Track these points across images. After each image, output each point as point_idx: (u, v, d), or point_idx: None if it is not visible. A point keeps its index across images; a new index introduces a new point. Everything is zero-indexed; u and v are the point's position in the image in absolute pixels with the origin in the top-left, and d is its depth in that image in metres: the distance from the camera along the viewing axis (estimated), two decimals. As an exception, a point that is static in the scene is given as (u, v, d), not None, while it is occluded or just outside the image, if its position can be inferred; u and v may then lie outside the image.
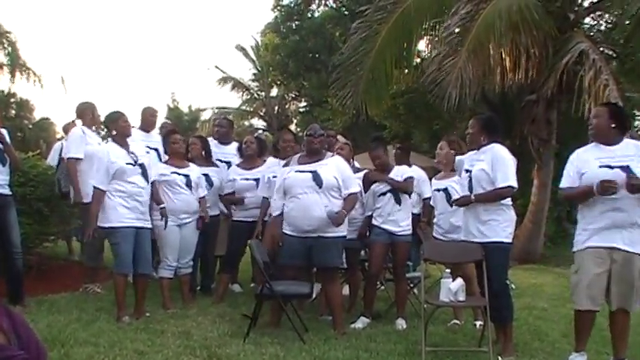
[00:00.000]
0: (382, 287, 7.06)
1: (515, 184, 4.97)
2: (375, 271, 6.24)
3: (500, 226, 4.98)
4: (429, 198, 6.84)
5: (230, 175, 7.03)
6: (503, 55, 11.10)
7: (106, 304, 6.31)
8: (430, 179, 6.99)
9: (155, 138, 7.53)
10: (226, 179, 7.08)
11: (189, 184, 6.42)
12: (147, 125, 7.62)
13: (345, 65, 11.96)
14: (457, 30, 10.91)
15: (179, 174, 6.43)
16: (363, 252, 6.71)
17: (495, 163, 4.97)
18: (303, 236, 5.58)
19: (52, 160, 8.47)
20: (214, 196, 7.06)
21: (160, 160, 7.04)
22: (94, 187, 5.82)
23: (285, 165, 5.97)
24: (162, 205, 6.13)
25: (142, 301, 6.01)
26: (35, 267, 7.50)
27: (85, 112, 7.17)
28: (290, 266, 5.68)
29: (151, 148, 7.20)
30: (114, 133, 6.04)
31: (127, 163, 5.87)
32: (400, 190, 6.06)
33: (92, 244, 6.88)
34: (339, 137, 7.19)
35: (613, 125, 4.58)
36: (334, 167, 5.67)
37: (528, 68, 11.25)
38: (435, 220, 6.49)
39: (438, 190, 6.40)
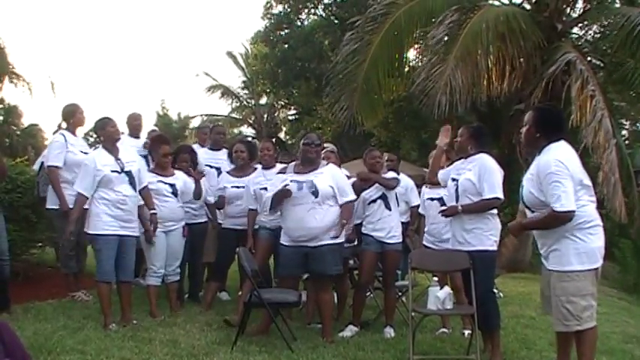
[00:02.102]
0: (371, 295, 7.05)
1: (501, 195, 5.00)
2: (366, 281, 6.25)
3: (485, 234, 5.02)
4: (418, 206, 6.86)
5: (221, 183, 6.99)
6: (490, 65, 11.16)
7: (93, 311, 6.27)
8: (419, 187, 7.01)
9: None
10: (216, 186, 7.06)
11: (175, 193, 6.43)
12: (134, 131, 7.77)
13: (337, 77, 11.99)
14: (445, 38, 10.95)
15: (165, 182, 6.43)
16: (352, 261, 6.71)
17: (482, 174, 5.00)
18: (298, 245, 5.59)
19: (37, 166, 8.43)
20: (203, 203, 7.03)
21: (149, 167, 7.02)
22: (78, 193, 5.81)
23: (281, 173, 5.97)
24: (152, 211, 6.14)
25: (128, 308, 5.98)
26: (22, 274, 7.46)
27: (68, 115, 7.03)
28: (289, 276, 5.70)
29: (140, 156, 7.18)
30: (102, 139, 6.04)
31: (113, 171, 5.84)
32: (385, 185, 6.07)
33: (65, 251, 6.85)
34: (325, 145, 7.20)
35: (538, 135, 4.30)
36: (330, 176, 5.68)
37: (515, 78, 11.33)
38: (426, 228, 6.49)
39: (432, 199, 6.39)
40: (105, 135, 6.03)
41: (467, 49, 10.35)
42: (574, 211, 3.99)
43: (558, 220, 4.04)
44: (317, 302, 5.96)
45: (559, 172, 4.01)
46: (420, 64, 12.56)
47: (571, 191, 4.00)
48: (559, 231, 4.10)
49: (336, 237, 5.54)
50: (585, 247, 4.08)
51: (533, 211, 4.30)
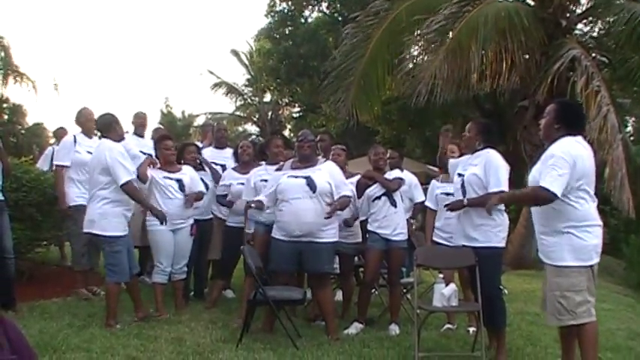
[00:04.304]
0: (376, 293, 7.05)
1: (507, 189, 4.98)
2: (371, 278, 6.24)
3: (492, 230, 5.00)
4: (421, 202, 6.82)
5: (225, 179, 6.95)
6: (484, 60, 11.11)
7: (98, 309, 6.27)
8: (422, 184, 6.97)
9: (148, 143, 7.55)
10: (221, 182, 7.05)
11: (182, 189, 6.39)
12: (139, 129, 7.92)
13: (336, 71, 11.97)
14: (437, 28, 10.90)
15: (172, 179, 6.41)
16: (356, 258, 6.70)
17: (488, 169, 4.98)
18: (293, 241, 5.58)
19: (41, 164, 8.44)
20: (208, 200, 7.03)
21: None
22: (131, 182, 5.79)
23: (278, 170, 5.97)
24: None
25: (140, 301, 6.02)
26: (27, 272, 7.48)
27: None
28: (281, 272, 5.68)
29: (144, 153, 7.21)
30: (113, 135, 6.00)
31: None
32: (387, 187, 6.05)
33: (77, 248, 6.87)
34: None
35: (557, 126, 4.31)
36: (327, 173, 5.68)
37: (514, 74, 11.28)
38: (438, 223, 6.35)
39: (447, 194, 6.12)
40: (118, 132, 6.07)
41: (459, 43, 10.30)
42: (557, 196, 4.04)
43: (539, 198, 4.14)
44: (316, 300, 5.98)
45: (563, 159, 4.09)
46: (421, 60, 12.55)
47: (563, 180, 4.05)
48: (556, 226, 4.17)
49: (329, 217, 5.49)
50: (580, 244, 4.14)
51: None
